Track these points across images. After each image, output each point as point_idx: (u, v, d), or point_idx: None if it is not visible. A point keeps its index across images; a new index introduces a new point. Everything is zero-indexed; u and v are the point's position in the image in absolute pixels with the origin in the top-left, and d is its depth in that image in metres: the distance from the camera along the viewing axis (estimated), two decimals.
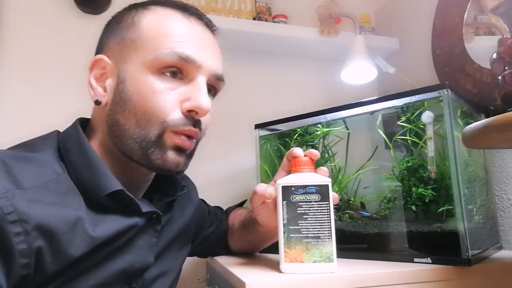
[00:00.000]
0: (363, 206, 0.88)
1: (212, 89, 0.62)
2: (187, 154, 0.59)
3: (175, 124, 0.55)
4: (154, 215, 0.59)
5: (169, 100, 0.55)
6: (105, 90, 0.58)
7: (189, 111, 0.56)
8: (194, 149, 0.61)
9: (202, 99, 0.56)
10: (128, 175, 0.58)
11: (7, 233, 0.43)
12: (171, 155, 0.56)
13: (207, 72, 0.58)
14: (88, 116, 0.63)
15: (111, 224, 0.53)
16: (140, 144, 0.55)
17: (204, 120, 0.59)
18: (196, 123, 0.57)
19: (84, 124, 0.61)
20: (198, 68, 0.57)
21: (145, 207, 0.57)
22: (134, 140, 0.55)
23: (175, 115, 0.55)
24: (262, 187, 0.67)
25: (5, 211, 0.43)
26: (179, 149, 0.57)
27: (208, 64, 0.58)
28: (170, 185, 0.67)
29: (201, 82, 0.57)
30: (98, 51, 0.61)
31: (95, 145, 0.58)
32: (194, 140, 0.59)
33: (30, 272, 0.45)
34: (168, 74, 0.56)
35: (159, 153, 0.55)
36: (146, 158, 0.55)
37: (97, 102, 0.58)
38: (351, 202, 0.88)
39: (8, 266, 0.44)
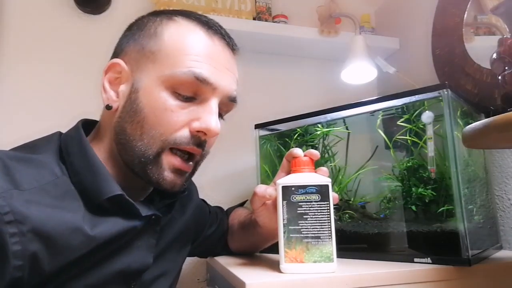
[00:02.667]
0: (363, 206, 0.88)
1: (224, 110, 0.63)
2: (187, 176, 0.59)
3: (177, 142, 0.55)
4: (154, 217, 0.59)
5: (178, 119, 0.55)
6: (117, 96, 0.57)
7: (198, 131, 0.56)
8: (195, 169, 0.61)
9: (212, 121, 0.55)
10: (130, 182, 0.58)
11: (2, 233, 0.43)
12: (168, 177, 0.56)
13: (221, 94, 0.58)
14: (90, 117, 0.63)
15: (111, 226, 0.53)
16: (139, 159, 0.55)
17: (209, 141, 0.59)
18: (201, 144, 0.57)
19: (87, 125, 0.61)
20: (213, 90, 0.56)
21: (145, 211, 0.57)
22: (136, 153, 0.55)
23: (181, 133, 0.55)
24: (261, 188, 0.67)
25: (1, 211, 0.43)
26: (177, 171, 0.57)
27: (223, 86, 0.58)
28: None
29: (213, 104, 0.57)
30: (116, 54, 0.61)
31: (100, 148, 0.58)
32: (192, 162, 0.59)
33: (23, 275, 0.44)
34: (181, 94, 0.55)
35: (156, 171, 0.55)
36: (144, 174, 0.56)
37: (108, 107, 0.57)
38: (351, 202, 0.88)
39: (2, 267, 0.43)
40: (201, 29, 0.58)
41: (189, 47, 0.56)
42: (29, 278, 0.45)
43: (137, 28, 0.60)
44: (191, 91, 0.56)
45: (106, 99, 0.58)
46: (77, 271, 0.50)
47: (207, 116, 0.56)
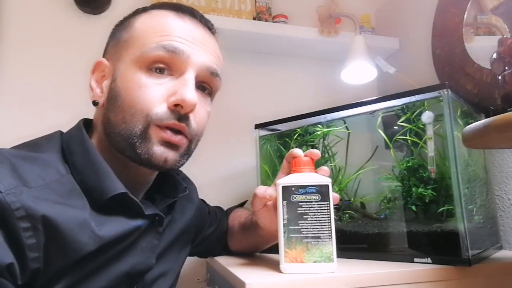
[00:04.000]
0: (363, 206, 0.88)
1: (208, 87, 0.62)
2: (181, 152, 0.58)
3: (158, 117, 0.54)
4: (157, 217, 0.59)
5: (154, 94, 0.55)
6: (102, 91, 0.59)
7: (176, 105, 0.55)
8: (189, 148, 0.59)
9: (187, 92, 0.55)
10: (128, 176, 0.58)
11: (17, 229, 0.44)
12: (158, 150, 0.55)
13: (197, 65, 0.57)
14: (90, 117, 0.64)
15: (116, 225, 0.53)
16: (126, 140, 0.55)
17: (195, 118, 0.58)
18: (182, 118, 0.56)
19: (88, 124, 0.61)
20: (187, 60, 0.56)
21: (148, 210, 0.57)
22: (121, 136, 0.55)
23: (159, 109, 0.54)
24: (262, 190, 0.67)
25: (13, 207, 0.44)
26: (167, 144, 0.56)
27: (197, 55, 0.57)
28: (171, 186, 0.66)
29: (188, 76, 0.56)
30: (103, 55, 0.63)
31: (95, 145, 0.58)
32: (183, 136, 0.57)
33: (40, 266, 0.45)
34: (155, 70, 0.56)
35: (145, 147, 0.54)
36: (134, 153, 0.55)
37: (95, 103, 0.59)
38: (351, 202, 0.88)
39: (21, 261, 0.44)
40: (171, 12, 0.59)
41: (158, 27, 0.57)
42: (44, 270, 0.46)
43: (116, 26, 0.63)
44: (165, 66, 0.56)
45: (92, 96, 0.59)
46: (86, 272, 0.50)
47: (182, 88, 0.55)
